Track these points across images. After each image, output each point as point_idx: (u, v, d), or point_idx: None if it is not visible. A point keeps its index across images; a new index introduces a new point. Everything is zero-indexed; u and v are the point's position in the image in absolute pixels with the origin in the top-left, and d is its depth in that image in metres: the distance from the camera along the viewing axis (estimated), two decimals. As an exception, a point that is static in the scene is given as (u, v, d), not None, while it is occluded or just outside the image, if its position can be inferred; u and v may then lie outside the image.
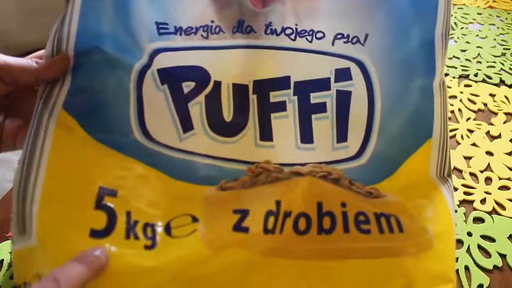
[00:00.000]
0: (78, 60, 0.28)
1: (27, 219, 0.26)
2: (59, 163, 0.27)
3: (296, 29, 0.31)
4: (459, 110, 0.55)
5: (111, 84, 0.28)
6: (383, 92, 0.30)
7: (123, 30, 0.29)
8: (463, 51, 0.65)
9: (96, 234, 0.25)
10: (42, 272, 0.25)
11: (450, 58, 0.64)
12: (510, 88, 0.58)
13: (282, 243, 0.26)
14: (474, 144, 0.49)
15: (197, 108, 0.30)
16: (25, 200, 0.26)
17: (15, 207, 0.26)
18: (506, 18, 0.73)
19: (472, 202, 0.42)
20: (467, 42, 0.67)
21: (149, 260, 0.25)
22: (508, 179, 0.45)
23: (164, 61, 0.29)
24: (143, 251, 0.26)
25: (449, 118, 0.53)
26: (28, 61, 0.28)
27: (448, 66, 0.62)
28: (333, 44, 0.31)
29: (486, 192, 0.43)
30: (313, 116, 0.30)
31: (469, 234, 0.39)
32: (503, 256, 0.38)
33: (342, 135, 0.30)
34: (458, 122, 0.53)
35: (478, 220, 0.41)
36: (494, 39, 0.68)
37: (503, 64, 0.62)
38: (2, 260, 0.36)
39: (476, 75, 0.60)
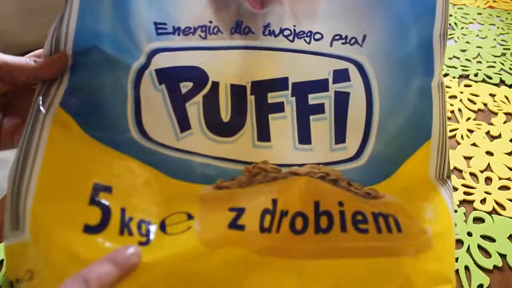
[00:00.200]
0: (76, 59, 0.28)
1: (20, 214, 0.25)
2: (55, 159, 0.26)
3: (294, 30, 0.31)
4: (459, 110, 0.55)
5: (109, 84, 0.28)
6: (382, 93, 0.30)
7: (121, 30, 0.29)
8: (463, 51, 0.65)
9: (90, 229, 0.25)
10: (34, 268, 0.24)
11: (450, 58, 0.64)
12: (510, 88, 0.58)
13: (278, 242, 0.26)
14: (474, 144, 0.49)
15: (194, 108, 0.30)
16: (19, 195, 0.26)
17: (9, 202, 0.26)
18: (506, 18, 0.73)
19: (472, 202, 0.42)
20: (467, 42, 0.67)
21: (143, 256, 0.25)
22: (508, 179, 0.45)
23: (162, 61, 0.29)
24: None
25: (449, 118, 0.53)
26: (27, 60, 0.28)
27: (448, 66, 0.61)
28: (331, 45, 0.31)
29: (486, 192, 0.43)
30: (311, 117, 0.30)
31: (469, 234, 0.39)
32: (503, 256, 0.38)
33: (340, 136, 0.30)
34: (458, 122, 0.53)
35: (478, 220, 0.41)
36: (494, 39, 0.68)
37: (503, 64, 0.62)
38: (2, 260, 0.37)
39: (476, 75, 0.60)
